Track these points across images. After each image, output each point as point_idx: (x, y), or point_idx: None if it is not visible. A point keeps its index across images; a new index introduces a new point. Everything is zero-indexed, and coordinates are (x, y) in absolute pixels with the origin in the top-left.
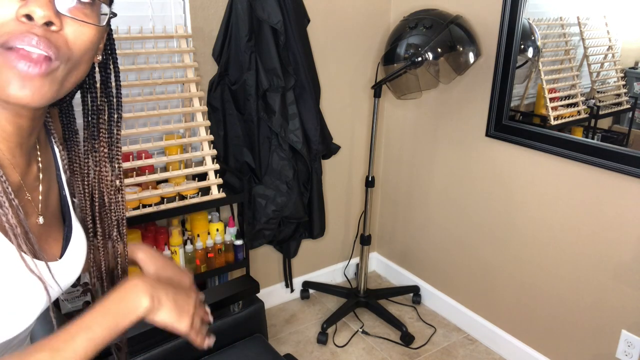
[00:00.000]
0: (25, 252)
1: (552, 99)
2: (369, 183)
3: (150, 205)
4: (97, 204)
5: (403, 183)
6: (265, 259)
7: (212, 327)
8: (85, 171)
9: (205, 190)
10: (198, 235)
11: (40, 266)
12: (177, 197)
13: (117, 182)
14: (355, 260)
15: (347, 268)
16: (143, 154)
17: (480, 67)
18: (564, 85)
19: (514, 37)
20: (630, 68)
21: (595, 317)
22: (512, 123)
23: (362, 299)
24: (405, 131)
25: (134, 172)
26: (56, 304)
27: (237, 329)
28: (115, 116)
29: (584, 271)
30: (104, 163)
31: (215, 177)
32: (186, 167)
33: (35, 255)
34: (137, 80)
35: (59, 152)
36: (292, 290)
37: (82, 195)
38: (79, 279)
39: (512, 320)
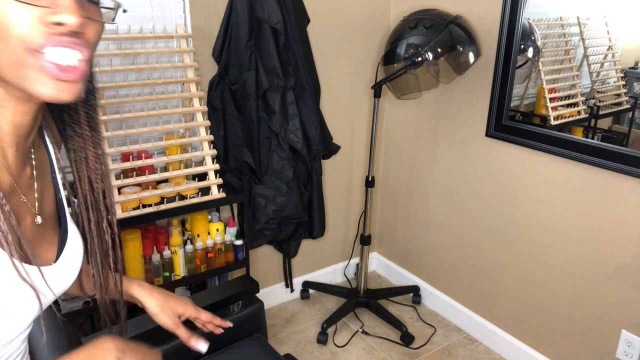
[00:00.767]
0: (17, 259)
1: (552, 99)
2: (369, 183)
3: (150, 205)
4: (87, 193)
5: (403, 183)
6: (265, 259)
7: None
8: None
9: (205, 190)
10: (198, 235)
11: (33, 272)
12: (177, 197)
13: (103, 167)
14: (355, 260)
15: (347, 268)
16: (143, 154)
17: (480, 67)
18: (564, 85)
19: (514, 37)
20: (630, 68)
21: (595, 317)
22: (512, 123)
23: (362, 299)
24: (405, 131)
25: (134, 172)
26: (56, 303)
27: (236, 329)
28: (92, 102)
29: (584, 271)
30: (89, 148)
31: (215, 177)
32: (186, 167)
33: (28, 261)
34: (137, 80)
35: (54, 152)
36: (292, 290)
37: (77, 186)
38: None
39: (512, 320)
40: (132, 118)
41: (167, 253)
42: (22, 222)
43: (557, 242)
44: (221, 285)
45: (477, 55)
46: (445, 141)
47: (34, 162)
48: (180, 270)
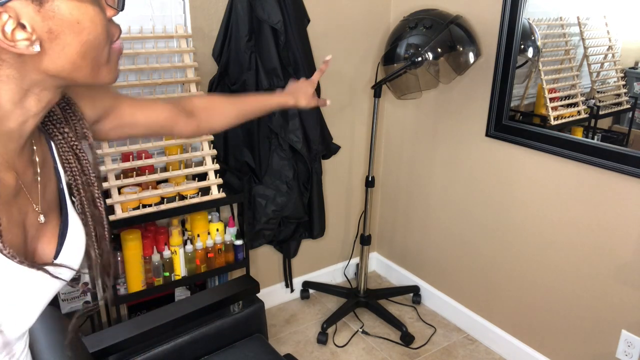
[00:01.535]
0: (18, 262)
1: (552, 99)
2: (369, 183)
3: (150, 205)
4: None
5: (403, 183)
6: (265, 259)
7: (211, 327)
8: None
9: (205, 190)
10: (198, 235)
11: (34, 272)
12: (177, 197)
13: (89, 166)
14: (355, 260)
15: (347, 268)
16: (143, 154)
17: (480, 67)
18: (564, 85)
19: (514, 37)
20: (630, 68)
21: (595, 317)
22: (512, 123)
23: (362, 299)
24: (405, 131)
25: (134, 172)
26: (56, 303)
27: (237, 329)
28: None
29: (584, 271)
30: (76, 145)
31: (215, 177)
32: (186, 167)
33: (30, 264)
34: (137, 81)
35: (55, 144)
36: (292, 290)
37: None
38: (78, 278)
39: (512, 320)
40: None
41: (167, 253)
42: (27, 219)
43: (557, 242)
44: (221, 285)
45: (477, 55)
46: (445, 141)
47: (37, 158)
48: (180, 270)
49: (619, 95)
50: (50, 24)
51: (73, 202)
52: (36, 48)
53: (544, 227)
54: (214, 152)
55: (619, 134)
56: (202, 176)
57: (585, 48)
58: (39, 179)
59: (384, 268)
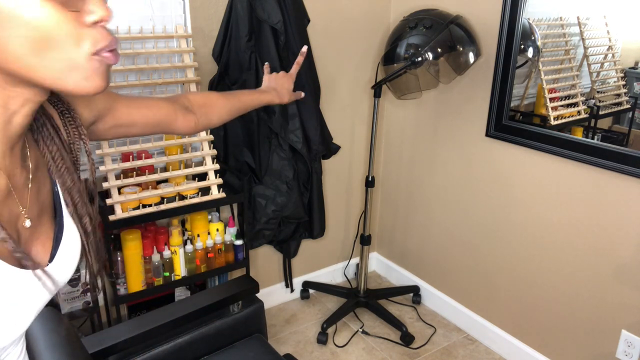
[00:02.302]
0: (10, 264)
1: (552, 99)
2: (369, 183)
3: (150, 205)
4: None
5: (403, 183)
6: (265, 259)
7: (211, 327)
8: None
9: (205, 190)
10: (198, 235)
11: (27, 275)
12: (177, 197)
13: (76, 173)
14: (355, 260)
15: (347, 268)
16: (143, 154)
17: (480, 67)
18: (564, 85)
19: (514, 37)
20: (630, 68)
21: (595, 317)
22: (512, 123)
23: (362, 299)
24: (405, 131)
25: (134, 172)
26: (56, 304)
27: (236, 329)
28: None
29: (584, 271)
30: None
31: (215, 177)
32: (186, 167)
33: (23, 266)
34: (137, 81)
35: (47, 148)
36: (292, 290)
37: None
38: (78, 279)
39: (512, 320)
40: None
41: (167, 253)
42: (17, 223)
43: (557, 242)
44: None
45: (477, 55)
46: (445, 141)
47: (29, 162)
48: (180, 270)
49: (619, 95)
50: None
51: (67, 205)
52: None
53: (544, 227)
54: (214, 152)
55: (619, 134)
56: (202, 176)
57: (585, 48)
58: (30, 185)
59: (384, 268)
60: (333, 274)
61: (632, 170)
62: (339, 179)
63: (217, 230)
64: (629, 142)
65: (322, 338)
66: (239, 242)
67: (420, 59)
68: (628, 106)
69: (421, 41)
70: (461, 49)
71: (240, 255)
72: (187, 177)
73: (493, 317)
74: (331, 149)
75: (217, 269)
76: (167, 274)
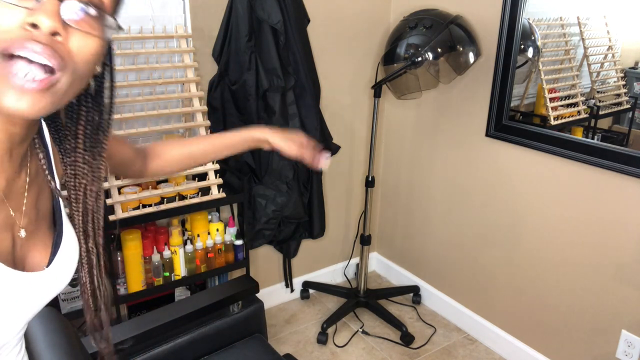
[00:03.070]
0: (6, 267)
1: (552, 99)
2: (369, 183)
3: (150, 205)
4: (81, 208)
5: (403, 183)
6: (265, 259)
7: (211, 327)
8: (72, 178)
9: (205, 190)
10: (198, 235)
11: (24, 279)
12: (177, 197)
13: (96, 188)
14: (355, 260)
15: (347, 268)
16: None
17: (480, 67)
18: (564, 85)
19: (514, 37)
20: (630, 68)
21: (595, 317)
22: (512, 123)
23: (362, 299)
24: (405, 131)
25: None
26: (56, 304)
27: (236, 329)
28: (106, 126)
29: (584, 271)
30: (88, 173)
31: (215, 177)
32: None
33: (20, 268)
34: (137, 81)
35: (53, 151)
36: (292, 290)
37: (69, 200)
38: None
39: (512, 320)
40: (132, 118)
41: (167, 253)
42: (10, 230)
43: (557, 242)
44: (221, 285)
45: (477, 55)
46: (445, 141)
47: (29, 169)
48: (180, 270)
49: (619, 95)
50: None
51: (68, 215)
52: None
53: (544, 227)
54: None
55: (619, 134)
56: (202, 176)
57: (585, 48)
58: (26, 191)
59: (384, 268)
60: (333, 274)
61: (632, 170)
62: (339, 179)
63: (217, 230)
64: (629, 142)
65: (322, 338)
66: (239, 242)
67: (420, 59)
68: (628, 106)
69: (421, 41)
70: (461, 49)
71: (240, 255)
72: (187, 177)
73: (493, 317)
74: (331, 149)
75: (217, 269)
76: (167, 274)
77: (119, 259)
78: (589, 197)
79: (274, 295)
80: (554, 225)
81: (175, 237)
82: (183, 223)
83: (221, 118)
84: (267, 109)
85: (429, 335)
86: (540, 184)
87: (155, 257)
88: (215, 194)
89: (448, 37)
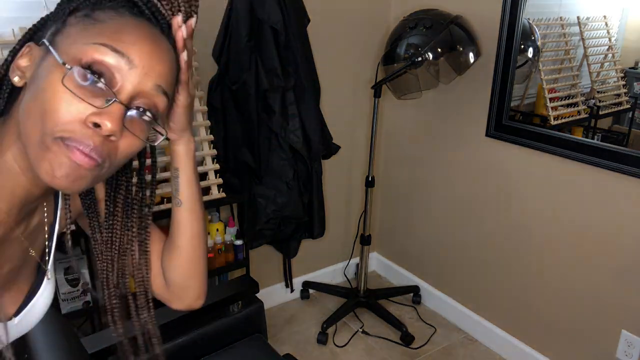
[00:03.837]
0: None
1: (552, 99)
2: (369, 183)
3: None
4: (117, 272)
5: (403, 183)
6: (265, 259)
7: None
8: (113, 246)
9: (205, 190)
10: None
11: None
12: None
13: (142, 260)
14: (355, 260)
15: (347, 268)
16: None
17: (480, 67)
18: (564, 85)
19: (514, 37)
20: (630, 68)
21: (595, 317)
22: (512, 123)
23: (362, 299)
24: (405, 131)
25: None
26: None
27: (236, 329)
28: (148, 194)
29: (584, 271)
30: (132, 242)
31: (215, 177)
32: None
33: None
34: None
35: (62, 207)
36: (292, 290)
37: (103, 268)
38: (78, 279)
39: (512, 320)
40: None
41: None
42: None
43: (557, 242)
44: (221, 285)
45: (477, 55)
46: (445, 141)
47: (30, 222)
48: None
49: (619, 95)
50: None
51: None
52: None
53: (544, 227)
54: (214, 152)
55: (619, 134)
56: (202, 176)
57: (585, 48)
58: (17, 243)
59: (384, 268)
60: (333, 274)
61: (632, 170)
62: (339, 179)
63: (217, 230)
64: (629, 142)
65: (322, 338)
66: (239, 242)
67: (420, 59)
68: (628, 106)
69: (421, 41)
70: (461, 49)
71: (240, 255)
72: None
73: (493, 317)
74: (331, 149)
75: (217, 269)
76: None
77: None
78: (589, 197)
79: (274, 295)
80: (553, 225)
81: None
82: None
83: (221, 118)
84: (267, 109)
85: (429, 335)
86: (540, 183)
87: None
88: (215, 194)
89: (448, 37)
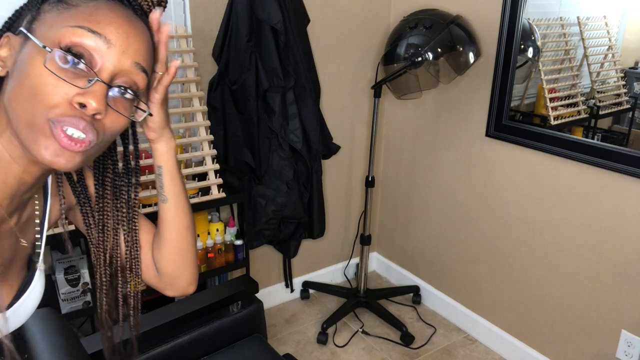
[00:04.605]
0: None
1: (552, 99)
2: (369, 183)
3: (150, 205)
4: (111, 261)
5: (403, 183)
6: (265, 259)
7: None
8: (102, 228)
9: (205, 190)
10: (198, 235)
11: None
12: None
13: (129, 238)
14: (355, 260)
15: (347, 268)
16: (143, 154)
17: (480, 67)
18: (564, 85)
19: (514, 37)
20: (630, 68)
21: (595, 317)
22: (512, 123)
23: (362, 299)
24: (405, 131)
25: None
26: (56, 304)
27: (236, 329)
28: (134, 181)
29: (584, 271)
30: (122, 222)
31: (215, 177)
32: (186, 167)
33: None
34: None
35: (51, 203)
36: (292, 290)
37: (97, 250)
38: (78, 279)
39: (512, 320)
40: None
41: None
42: None
43: (557, 242)
44: (221, 285)
45: (477, 55)
46: (445, 141)
47: (21, 214)
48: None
49: (619, 95)
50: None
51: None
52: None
53: (544, 227)
54: (214, 152)
55: (619, 134)
56: (202, 176)
57: (585, 48)
58: (9, 236)
59: (384, 268)
60: (333, 274)
61: (632, 170)
62: (339, 179)
63: (217, 230)
64: (629, 142)
65: (322, 338)
66: (239, 242)
67: (420, 59)
68: (628, 106)
69: (421, 41)
70: (461, 49)
71: (240, 255)
72: (187, 177)
73: (493, 317)
74: (331, 149)
75: (217, 269)
76: None
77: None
78: (589, 197)
79: (273, 295)
80: (554, 225)
81: None
82: None
83: (221, 118)
84: (267, 108)
85: (429, 335)
86: (540, 184)
87: None
88: (215, 194)
89: (448, 37)
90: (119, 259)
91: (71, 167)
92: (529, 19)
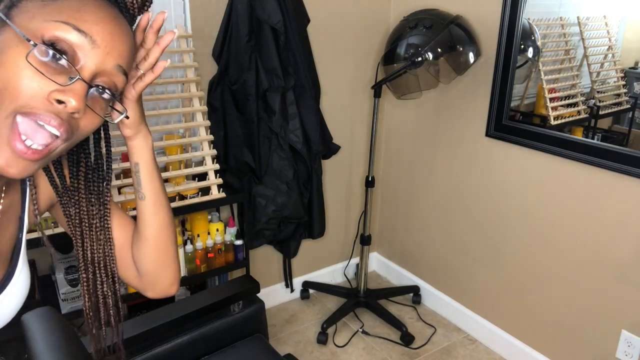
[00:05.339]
0: None
1: (552, 99)
2: (369, 183)
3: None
4: (88, 251)
5: (403, 183)
6: (265, 259)
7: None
8: (76, 215)
9: (205, 190)
10: (198, 235)
11: None
12: (177, 197)
13: (102, 235)
14: (355, 260)
15: (347, 268)
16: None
17: (480, 67)
18: (564, 85)
19: (514, 37)
20: (630, 68)
21: (595, 317)
22: (512, 123)
23: (362, 299)
24: (405, 131)
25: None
26: (56, 304)
27: (237, 329)
28: (105, 174)
29: (584, 271)
30: (95, 218)
31: (215, 177)
32: (186, 167)
33: None
34: None
35: (31, 194)
36: (292, 290)
37: (76, 246)
38: (78, 279)
39: (512, 320)
40: None
41: None
42: None
43: (557, 242)
44: (221, 285)
45: (477, 55)
46: (445, 141)
47: (1, 202)
48: (180, 270)
49: (619, 95)
50: None
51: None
52: None
53: (544, 227)
54: (214, 152)
55: (619, 134)
56: (202, 176)
57: (585, 48)
58: None
59: (384, 268)
60: (333, 274)
61: (632, 170)
62: (339, 179)
63: (217, 230)
64: (629, 142)
65: (322, 338)
66: (239, 242)
67: (420, 59)
68: (628, 106)
69: (421, 41)
70: (461, 49)
71: (240, 255)
72: (187, 177)
73: (493, 317)
74: (331, 149)
75: (217, 269)
76: None
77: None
78: (589, 197)
79: (274, 295)
80: (554, 225)
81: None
82: (183, 223)
83: (221, 118)
84: (267, 109)
85: (429, 335)
86: (540, 184)
87: None
88: (215, 194)
89: (448, 37)
90: (96, 255)
91: (24, 174)
92: (529, 19)
